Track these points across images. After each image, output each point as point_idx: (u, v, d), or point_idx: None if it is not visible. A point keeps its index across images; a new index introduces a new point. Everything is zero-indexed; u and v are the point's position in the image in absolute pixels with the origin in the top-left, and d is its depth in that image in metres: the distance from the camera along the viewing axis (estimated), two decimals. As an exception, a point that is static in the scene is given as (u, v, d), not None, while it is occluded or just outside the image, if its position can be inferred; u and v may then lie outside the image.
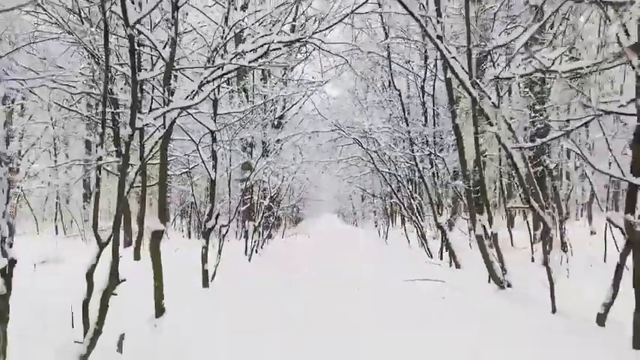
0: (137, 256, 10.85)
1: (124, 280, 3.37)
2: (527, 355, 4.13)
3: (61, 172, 20.69)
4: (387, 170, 12.97)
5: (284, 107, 17.73)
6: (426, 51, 11.23)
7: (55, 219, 21.83)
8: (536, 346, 4.27)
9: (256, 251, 12.89)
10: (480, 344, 4.40)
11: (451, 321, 5.30)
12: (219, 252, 7.88)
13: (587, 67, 3.60)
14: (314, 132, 12.41)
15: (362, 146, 12.06)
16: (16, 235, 14.74)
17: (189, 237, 20.05)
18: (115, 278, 3.33)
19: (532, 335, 4.56)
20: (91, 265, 3.55)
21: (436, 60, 10.98)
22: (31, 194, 20.79)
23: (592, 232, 17.30)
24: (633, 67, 3.38)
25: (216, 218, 7.14)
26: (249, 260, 11.53)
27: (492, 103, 5.06)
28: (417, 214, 12.03)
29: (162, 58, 5.42)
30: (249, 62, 5.43)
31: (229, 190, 9.65)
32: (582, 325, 4.66)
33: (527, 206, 5.24)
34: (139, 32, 4.42)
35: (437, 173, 10.65)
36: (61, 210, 21.52)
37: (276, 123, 17.38)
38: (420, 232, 12.20)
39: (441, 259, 11.09)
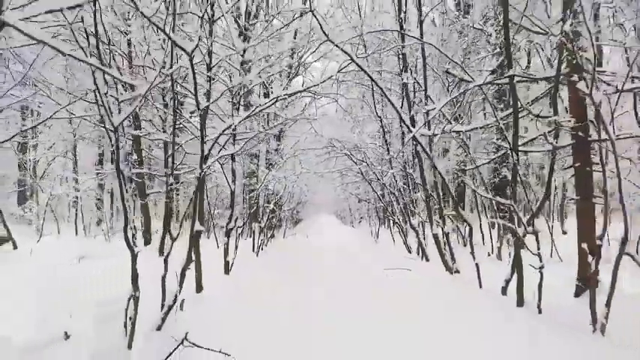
0: (162, 252, 12.99)
1: (194, 260, 5.48)
2: (451, 308, 6.25)
3: (82, 177, 22.77)
4: (376, 179, 15.08)
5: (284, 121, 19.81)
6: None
7: (76, 221, 23.94)
8: (459, 306, 6.39)
9: (262, 249, 15.01)
10: (423, 304, 6.54)
11: (413, 295, 7.42)
12: (236, 247, 9.99)
13: (479, 127, 5.68)
14: (309, 149, 14.51)
15: (352, 160, 14.20)
16: (43, 235, 16.99)
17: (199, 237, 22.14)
18: (189, 259, 5.45)
19: (458, 299, 6.69)
20: (168, 252, 5.65)
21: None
22: (56, 198, 22.80)
23: (564, 232, 19.52)
24: (503, 131, 5.46)
25: (235, 221, 9.24)
26: (257, 255, 13.65)
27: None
28: (400, 217, 14.15)
29: (200, 107, 7.52)
30: (261, 109, 7.58)
31: (243, 198, 11.73)
32: (493, 294, 6.79)
33: (456, 213, 7.37)
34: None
35: (415, 184, 12.75)
36: (82, 212, 23.61)
37: (277, 133, 19.51)
38: (402, 233, 14.33)
39: (418, 254, 13.21)
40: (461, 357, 4.48)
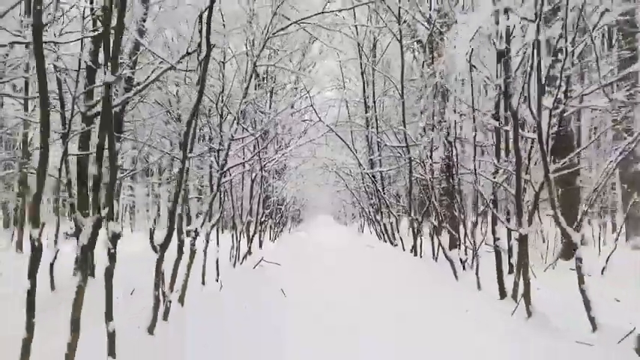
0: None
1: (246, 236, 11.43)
2: (386, 260, 12.18)
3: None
4: (358, 188, 21.05)
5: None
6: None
7: (122, 219, 29.84)
8: (390, 259, 12.32)
9: (276, 238, 20.98)
10: (379, 263, 12.46)
11: (369, 259, 13.34)
12: (263, 232, 15.93)
13: (393, 168, 11.61)
14: (309, 169, 20.52)
15: (339, 175, 20.19)
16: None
17: (222, 232, 28.15)
18: (255, 234, 11.37)
19: (393, 255, 12.65)
20: (254, 232, 11.56)
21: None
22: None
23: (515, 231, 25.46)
24: (410, 172, 11.33)
25: (265, 217, 15.22)
26: (274, 242, 19.62)
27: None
28: (375, 215, 20.11)
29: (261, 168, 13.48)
30: (287, 152, 13.55)
31: (264, 203, 17.61)
32: (408, 253, 12.73)
33: (390, 211, 13.27)
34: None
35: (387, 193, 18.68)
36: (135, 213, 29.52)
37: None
38: (375, 226, 20.32)
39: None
40: (378, 268, 10.44)
